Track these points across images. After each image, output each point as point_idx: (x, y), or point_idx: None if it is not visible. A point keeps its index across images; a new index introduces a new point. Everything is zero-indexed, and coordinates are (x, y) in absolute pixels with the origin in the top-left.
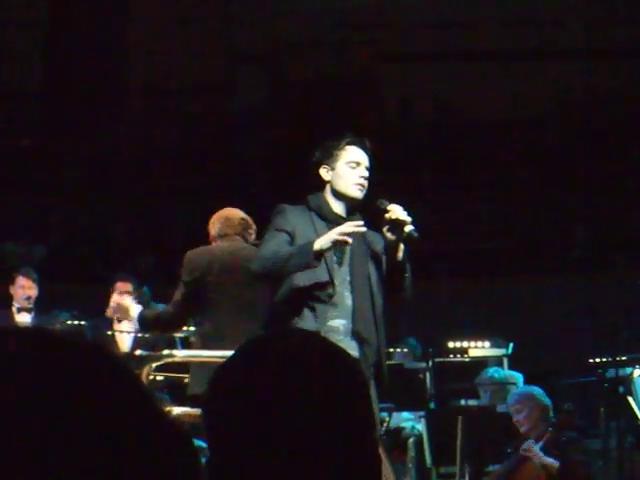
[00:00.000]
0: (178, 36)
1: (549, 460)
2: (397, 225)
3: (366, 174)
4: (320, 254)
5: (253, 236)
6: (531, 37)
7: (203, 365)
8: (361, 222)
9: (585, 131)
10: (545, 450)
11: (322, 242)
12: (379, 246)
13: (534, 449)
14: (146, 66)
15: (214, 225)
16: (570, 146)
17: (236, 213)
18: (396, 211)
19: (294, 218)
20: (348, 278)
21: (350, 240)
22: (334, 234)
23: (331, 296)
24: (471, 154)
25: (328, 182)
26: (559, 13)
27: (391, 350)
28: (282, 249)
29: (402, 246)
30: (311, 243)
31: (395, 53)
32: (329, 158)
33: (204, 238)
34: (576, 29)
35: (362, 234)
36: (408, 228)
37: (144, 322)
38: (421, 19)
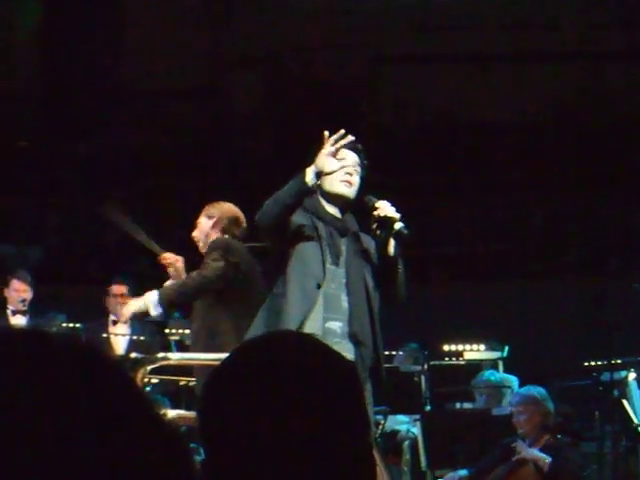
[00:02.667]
0: (173, 39)
1: (540, 455)
2: (386, 222)
3: (352, 170)
4: (319, 174)
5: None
6: (526, 40)
7: (206, 366)
8: (347, 135)
9: (579, 134)
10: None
11: (317, 162)
12: (374, 249)
13: (523, 447)
14: (141, 69)
15: (222, 217)
16: (564, 149)
17: (242, 216)
18: (384, 208)
19: (294, 214)
20: (344, 280)
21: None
22: (325, 149)
23: (319, 286)
24: (466, 157)
25: (318, 186)
26: (554, 16)
27: (391, 353)
28: None
29: (392, 241)
30: (303, 171)
31: (391, 56)
32: None
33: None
34: (570, 32)
35: (357, 237)
36: (398, 225)
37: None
38: (417, 22)
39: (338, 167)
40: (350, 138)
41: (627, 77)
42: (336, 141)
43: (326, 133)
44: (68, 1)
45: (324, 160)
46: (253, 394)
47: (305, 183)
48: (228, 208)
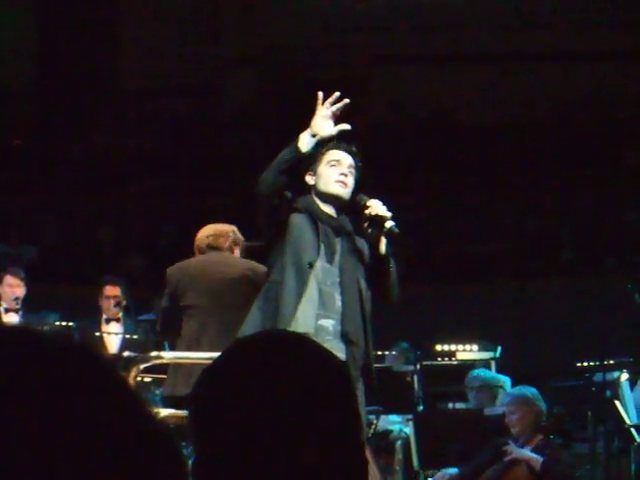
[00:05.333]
0: (169, 38)
1: (531, 455)
2: (377, 221)
3: (347, 171)
4: (314, 136)
5: (237, 252)
6: (522, 40)
7: (179, 368)
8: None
9: (575, 134)
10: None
11: (312, 125)
12: (368, 251)
13: (514, 448)
14: (137, 68)
15: (201, 239)
16: (560, 149)
17: (225, 228)
18: (376, 207)
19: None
20: (338, 279)
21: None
22: (321, 112)
23: (311, 265)
24: (460, 157)
25: (312, 187)
26: (550, 17)
27: (384, 353)
28: None
29: (384, 240)
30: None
31: (387, 56)
32: (313, 164)
33: (193, 240)
34: (567, 33)
35: (352, 237)
36: (389, 224)
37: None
38: (413, 22)
39: (335, 131)
40: (346, 101)
41: (622, 78)
42: (331, 104)
43: (320, 94)
44: (66, 1)
45: (320, 123)
46: (244, 393)
47: (298, 148)
48: (205, 229)
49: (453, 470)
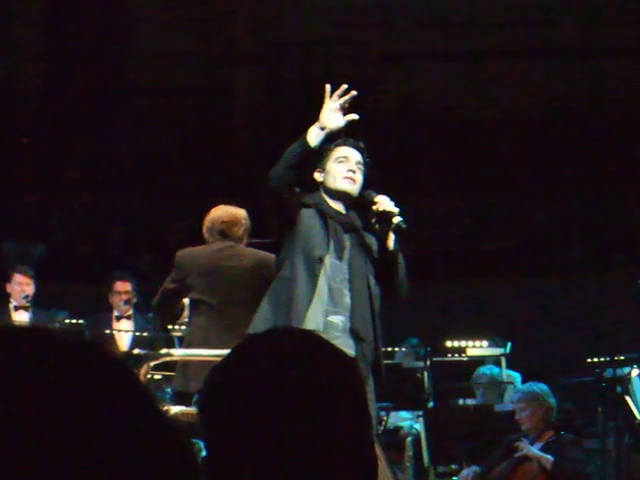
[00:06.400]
0: (177, 36)
1: (542, 454)
2: (385, 216)
3: (355, 168)
4: (322, 129)
5: (245, 240)
6: (530, 37)
7: (187, 364)
8: (350, 90)
9: (585, 131)
10: (544, 451)
11: (321, 118)
12: (376, 247)
13: (525, 446)
14: (145, 66)
15: (214, 221)
16: (570, 146)
17: (239, 214)
18: (383, 202)
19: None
20: (347, 275)
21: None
22: (329, 105)
23: (321, 259)
24: (470, 154)
25: (321, 184)
26: (558, 13)
27: (394, 349)
28: None
29: (392, 235)
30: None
31: (395, 52)
32: (321, 161)
33: (202, 237)
34: (575, 29)
35: (361, 234)
36: (396, 219)
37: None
38: (421, 18)
39: (344, 123)
40: (353, 93)
41: (628, 74)
42: (340, 96)
43: (327, 87)
44: (75, 0)
45: (328, 115)
46: (255, 390)
47: (307, 142)
48: (212, 212)
49: (475, 467)
